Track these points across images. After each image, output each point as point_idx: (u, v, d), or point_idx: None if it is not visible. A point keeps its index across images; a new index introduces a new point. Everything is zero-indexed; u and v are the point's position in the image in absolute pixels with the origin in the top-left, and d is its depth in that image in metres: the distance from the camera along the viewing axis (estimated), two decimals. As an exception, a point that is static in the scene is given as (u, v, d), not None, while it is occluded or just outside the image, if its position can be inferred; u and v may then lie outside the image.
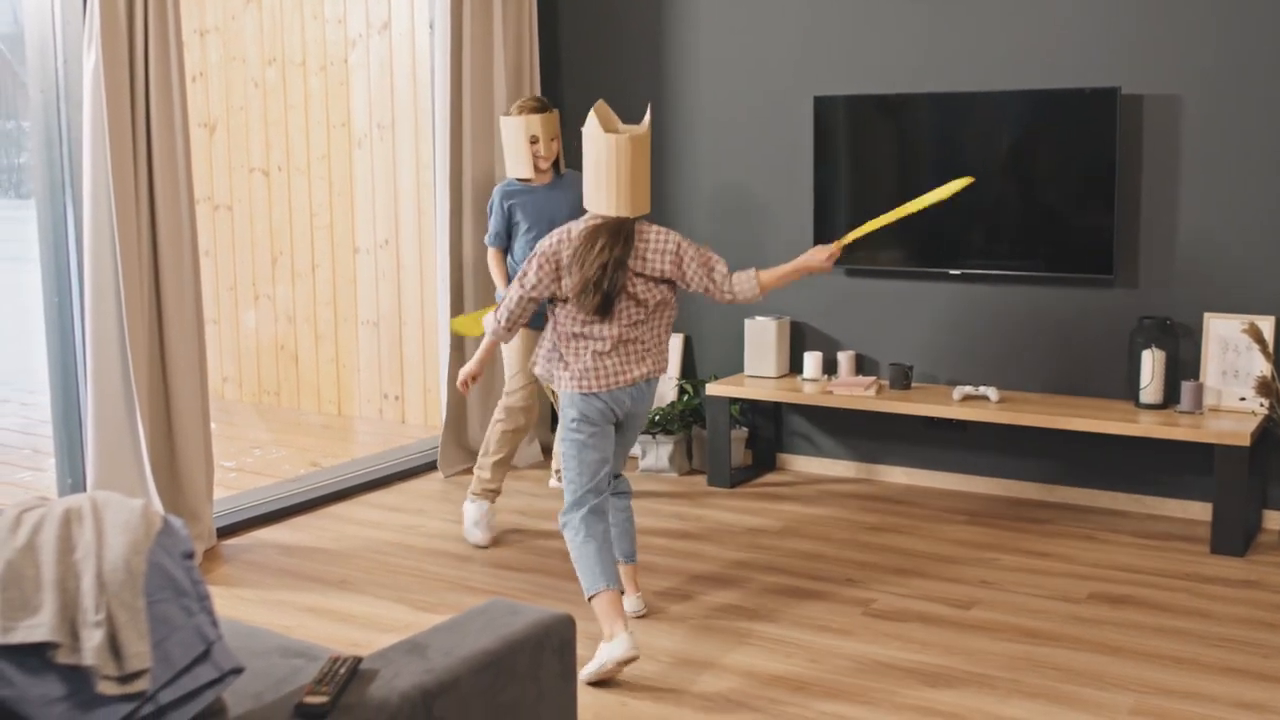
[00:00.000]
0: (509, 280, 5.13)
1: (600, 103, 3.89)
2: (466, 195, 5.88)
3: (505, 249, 5.19)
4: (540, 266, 3.83)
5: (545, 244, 3.84)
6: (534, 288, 3.85)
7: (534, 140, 5.06)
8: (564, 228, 3.86)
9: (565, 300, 3.84)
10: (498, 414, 5.09)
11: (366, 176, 7.10)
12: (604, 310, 3.80)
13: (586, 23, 6.30)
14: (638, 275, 3.84)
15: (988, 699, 3.54)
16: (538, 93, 6.14)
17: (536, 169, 5.09)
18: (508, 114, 5.12)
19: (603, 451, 3.94)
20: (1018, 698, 3.55)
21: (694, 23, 6.00)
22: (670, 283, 3.91)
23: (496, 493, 5.07)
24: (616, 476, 4.16)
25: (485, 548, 4.92)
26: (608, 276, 3.75)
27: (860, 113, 5.56)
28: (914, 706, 3.50)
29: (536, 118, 5.04)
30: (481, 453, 5.09)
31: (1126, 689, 3.60)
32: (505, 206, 5.13)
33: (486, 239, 5.20)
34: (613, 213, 3.83)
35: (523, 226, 5.12)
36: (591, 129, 3.84)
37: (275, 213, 7.50)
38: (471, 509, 5.02)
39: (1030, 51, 5.29)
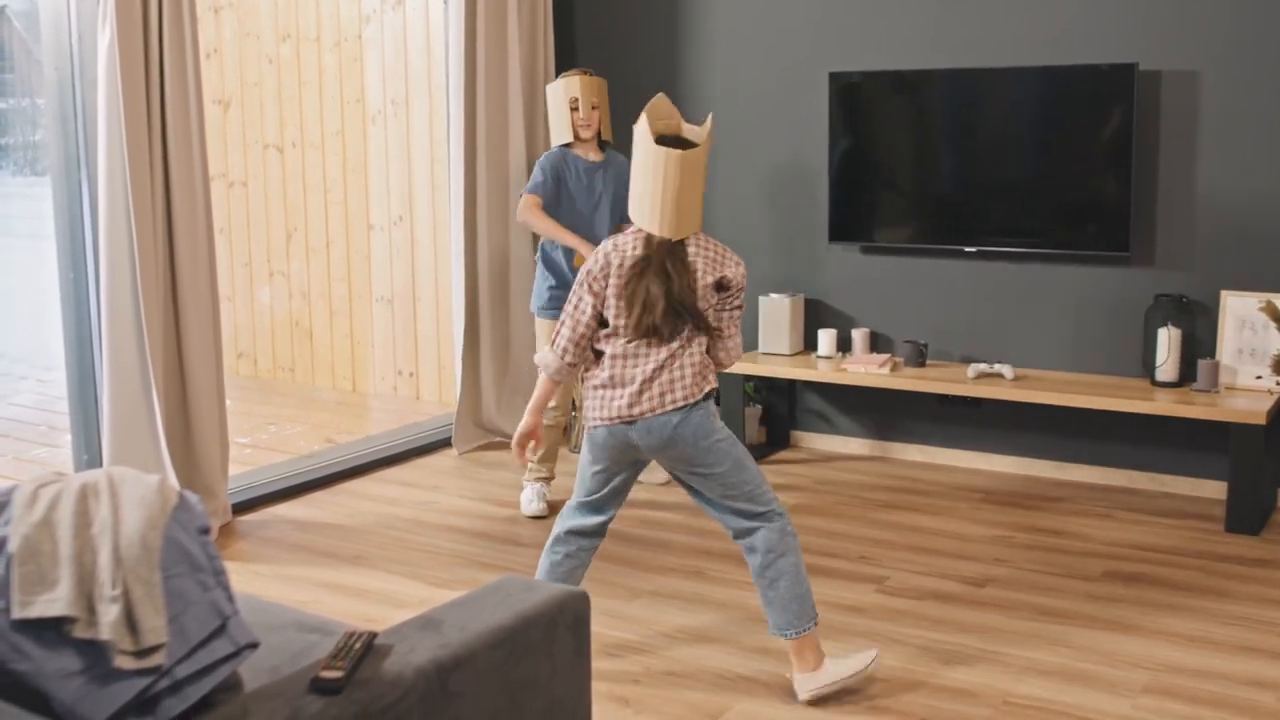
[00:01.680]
0: (549, 230, 4.88)
1: (659, 97, 3.45)
2: (481, 171, 5.87)
3: (545, 205, 4.90)
4: (590, 290, 3.37)
5: (593, 265, 3.37)
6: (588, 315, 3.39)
7: (574, 106, 4.93)
8: (610, 247, 3.37)
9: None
10: None
11: (381, 153, 7.10)
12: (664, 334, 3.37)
13: (601, -1, 6.28)
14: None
15: (1001, 676, 3.55)
16: (552, 68, 6.12)
17: (577, 135, 4.96)
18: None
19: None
20: (1031, 675, 3.55)
21: (710, 1, 5.98)
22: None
23: (550, 478, 5.18)
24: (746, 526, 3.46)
25: (542, 517, 5.04)
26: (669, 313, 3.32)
27: (876, 89, 5.53)
28: (928, 684, 3.51)
29: (576, 79, 4.93)
30: None
31: (1140, 667, 3.60)
32: (554, 169, 4.95)
33: (525, 189, 4.95)
34: (656, 233, 3.34)
35: (568, 202, 4.96)
36: (642, 133, 3.39)
37: (289, 189, 7.50)
38: (527, 489, 5.12)
39: (1047, 27, 5.26)
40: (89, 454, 4.70)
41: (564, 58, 6.36)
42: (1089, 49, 5.19)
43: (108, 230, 4.45)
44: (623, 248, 3.35)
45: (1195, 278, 5.12)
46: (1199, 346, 5.11)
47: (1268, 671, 3.57)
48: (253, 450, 6.17)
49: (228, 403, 4.99)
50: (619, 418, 3.37)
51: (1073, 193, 5.20)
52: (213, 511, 4.83)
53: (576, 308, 3.38)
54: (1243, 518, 4.72)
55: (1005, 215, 5.35)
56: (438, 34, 6.61)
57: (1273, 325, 4.87)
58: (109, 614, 1.75)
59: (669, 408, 3.34)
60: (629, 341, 3.36)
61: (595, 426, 3.43)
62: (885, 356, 5.53)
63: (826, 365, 5.58)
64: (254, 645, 1.88)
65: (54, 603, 1.75)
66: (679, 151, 3.34)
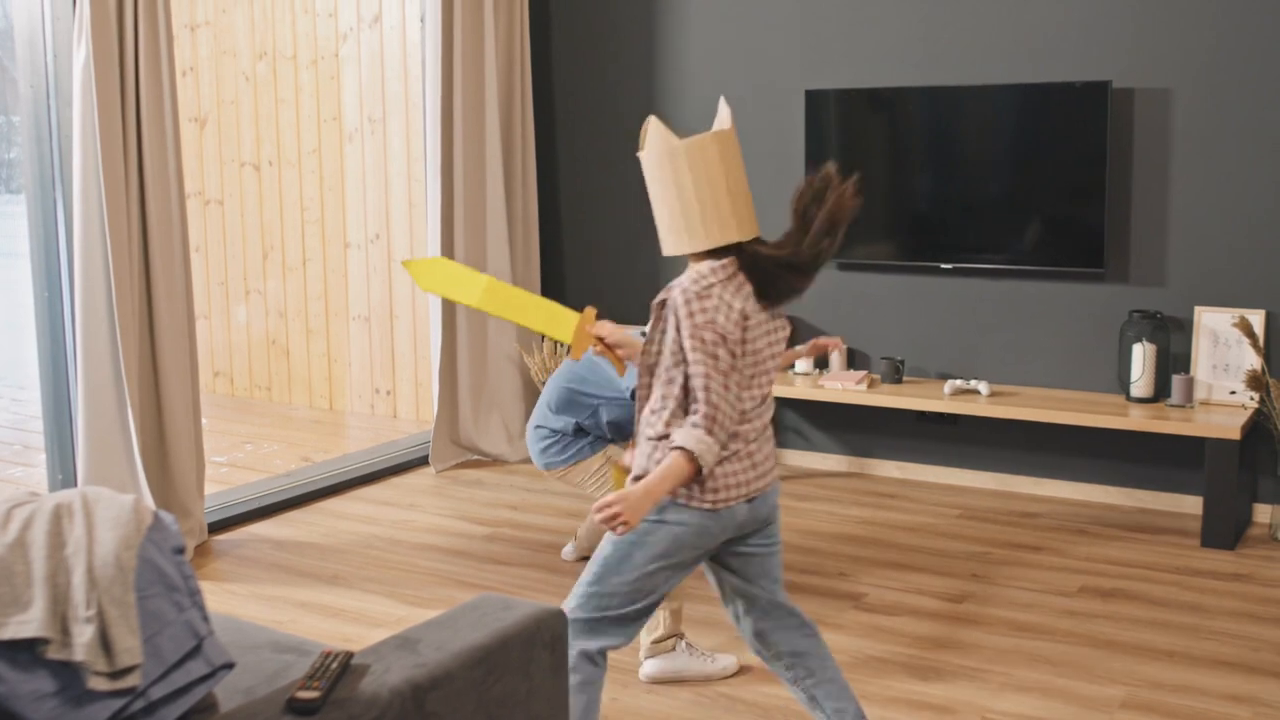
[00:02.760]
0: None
1: (652, 119, 2.75)
2: (458, 188, 5.87)
3: None
4: (729, 339, 2.67)
5: (710, 315, 2.65)
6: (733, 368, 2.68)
7: None
8: (691, 286, 2.68)
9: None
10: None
11: (357, 171, 7.09)
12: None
13: (577, 15, 6.29)
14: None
15: (980, 692, 3.55)
16: (529, 87, 6.13)
17: None
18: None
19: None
20: (1009, 691, 3.56)
21: (685, 17, 5.99)
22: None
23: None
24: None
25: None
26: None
27: (852, 107, 5.56)
28: (906, 700, 3.51)
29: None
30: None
31: (1118, 682, 3.61)
32: None
33: None
34: (738, 237, 2.74)
35: None
36: (663, 142, 2.72)
37: (266, 207, 7.48)
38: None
39: (1022, 45, 5.29)
40: (63, 473, 4.67)
41: (540, 76, 6.37)
42: (1063, 67, 5.22)
43: (82, 248, 4.43)
44: (720, 290, 2.69)
45: (1170, 294, 5.15)
46: (1174, 362, 5.14)
47: (1244, 686, 3.58)
48: (229, 469, 6.14)
49: (204, 421, 4.97)
50: (752, 492, 2.79)
51: (1048, 209, 5.23)
52: (188, 531, 4.81)
53: (726, 375, 2.66)
54: (1218, 532, 4.74)
55: (981, 232, 5.38)
56: (414, 52, 6.61)
57: (1246, 341, 4.90)
58: (83, 635, 1.74)
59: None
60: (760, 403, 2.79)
61: (728, 505, 2.76)
62: (862, 373, 5.54)
63: (804, 382, 5.59)
64: (229, 666, 1.87)
65: (27, 624, 1.74)
66: (720, 130, 2.74)
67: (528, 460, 6.12)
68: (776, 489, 2.87)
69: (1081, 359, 5.34)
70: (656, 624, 3.67)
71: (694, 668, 3.60)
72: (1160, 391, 5.11)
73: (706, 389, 2.63)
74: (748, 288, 2.72)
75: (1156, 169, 5.11)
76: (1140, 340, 5.05)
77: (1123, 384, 5.17)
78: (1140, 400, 5.08)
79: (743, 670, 3.72)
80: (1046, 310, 5.38)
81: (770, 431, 2.83)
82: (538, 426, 4.28)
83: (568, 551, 4.69)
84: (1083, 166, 5.12)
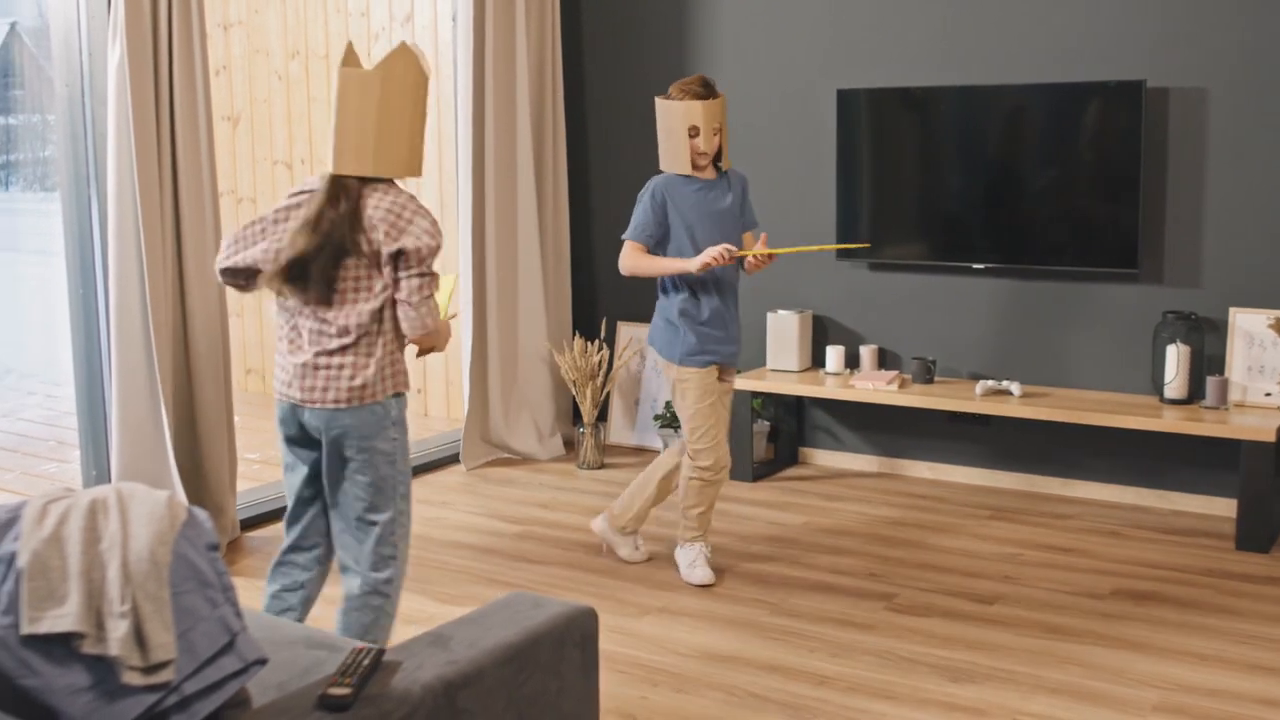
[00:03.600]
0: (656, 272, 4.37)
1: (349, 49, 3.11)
2: (488, 189, 5.89)
3: (649, 247, 4.35)
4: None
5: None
6: None
7: (693, 132, 4.28)
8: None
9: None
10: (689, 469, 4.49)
11: (389, 170, 7.10)
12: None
13: (609, 15, 6.29)
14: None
15: (1011, 695, 3.53)
16: (560, 86, 6.14)
17: (694, 164, 4.33)
18: (667, 96, 4.34)
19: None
20: (1041, 694, 3.54)
21: (717, 16, 5.99)
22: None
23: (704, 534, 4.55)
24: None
25: (709, 585, 4.43)
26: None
27: (883, 106, 5.54)
28: (937, 702, 3.49)
29: (699, 104, 4.24)
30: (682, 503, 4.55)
31: (1150, 685, 3.59)
32: (660, 199, 4.33)
33: (626, 234, 4.38)
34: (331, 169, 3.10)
35: (679, 225, 4.34)
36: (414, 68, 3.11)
37: (298, 206, 7.51)
38: (685, 553, 4.52)
39: (1055, 44, 5.26)
40: (97, 469, 4.70)
41: (572, 75, 6.37)
42: (1097, 66, 5.19)
43: (117, 246, 4.46)
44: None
45: (1204, 294, 5.11)
46: (1208, 363, 5.10)
47: (1279, 690, 3.55)
48: (261, 466, 6.17)
49: (236, 418, 4.99)
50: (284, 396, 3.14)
51: (1081, 209, 5.20)
52: (221, 527, 4.83)
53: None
54: (1253, 535, 4.71)
55: (1013, 232, 5.35)
56: (446, 51, 6.63)
57: (1282, 342, 4.86)
58: (118, 630, 1.75)
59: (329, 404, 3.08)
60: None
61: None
62: (893, 373, 5.52)
63: (834, 382, 5.57)
64: (262, 661, 1.88)
65: (63, 618, 1.75)
66: (347, 68, 3.03)
67: (558, 459, 6.13)
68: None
69: (1115, 360, 5.30)
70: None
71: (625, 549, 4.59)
72: (1194, 393, 5.07)
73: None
74: None
75: (1191, 169, 5.07)
76: (1174, 341, 5.02)
77: (1156, 385, 5.14)
78: (1174, 402, 5.04)
79: (775, 669, 3.71)
80: (1079, 311, 5.35)
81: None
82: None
83: (599, 524, 4.74)
84: (1117, 166, 5.09)
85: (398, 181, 3.21)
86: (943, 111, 5.44)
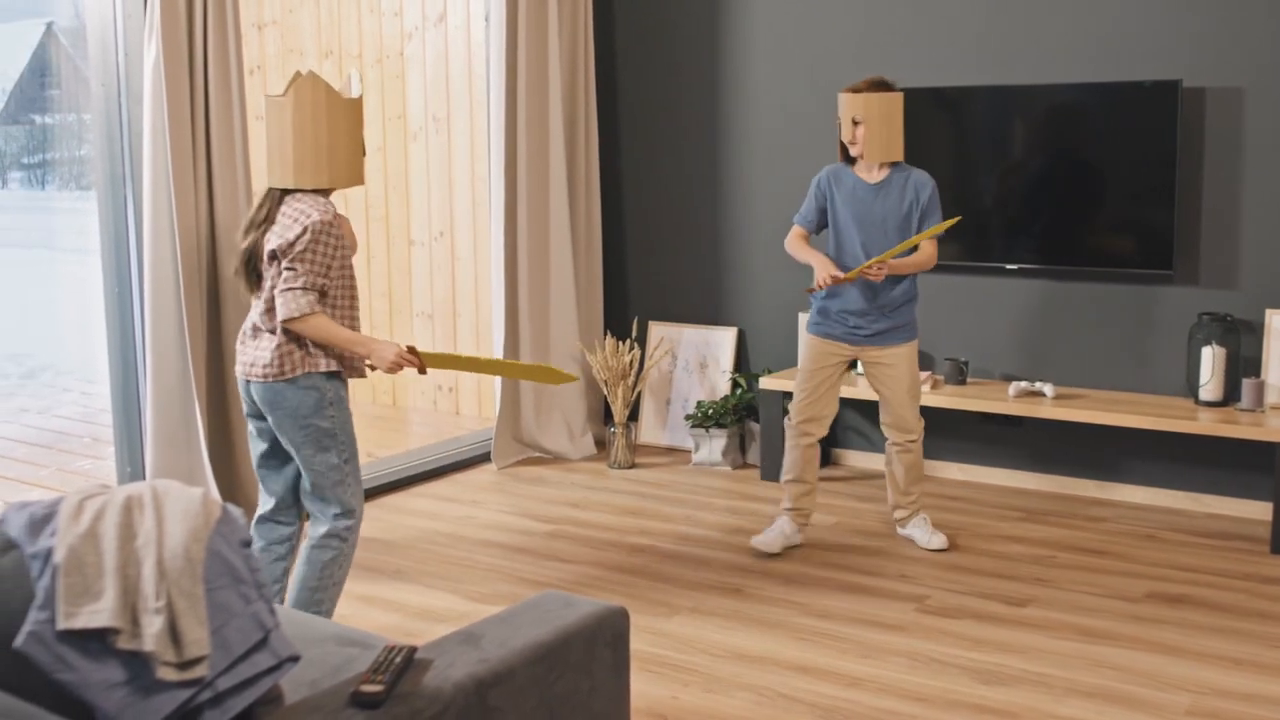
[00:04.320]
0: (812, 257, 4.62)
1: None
2: (521, 187, 5.90)
3: (810, 232, 4.70)
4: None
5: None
6: None
7: (855, 122, 4.49)
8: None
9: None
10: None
11: (422, 169, 7.13)
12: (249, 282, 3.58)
13: (642, 15, 6.29)
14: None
15: (1043, 698, 3.51)
16: (593, 85, 6.14)
17: (844, 152, 4.61)
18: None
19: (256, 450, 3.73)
20: (1073, 697, 3.52)
21: (750, 16, 5.98)
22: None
23: (797, 511, 4.80)
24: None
25: (772, 555, 4.71)
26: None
27: (917, 106, 5.52)
28: (968, 704, 3.48)
29: (858, 97, 4.46)
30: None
31: (1184, 689, 3.56)
32: (823, 187, 4.66)
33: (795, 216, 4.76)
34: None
35: (837, 221, 4.65)
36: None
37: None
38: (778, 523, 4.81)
39: (1089, 43, 5.23)
40: (132, 466, 4.73)
41: (605, 75, 6.38)
42: (1132, 65, 5.16)
43: (152, 244, 4.49)
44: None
45: (1240, 296, 5.07)
46: (1244, 365, 5.07)
47: (1314, 695, 3.52)
48: (293, 464, 6.19)
49: (269, 416, 5.01)
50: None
51: (1115, 210, 5.17)
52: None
53: None
54: (1288, 539, 4.67)
55: (1047, 233, 5.32)
56: (479, 51, 6.64)
57: (1319, 344, 4.82)
58: (152, 625, 1.76)
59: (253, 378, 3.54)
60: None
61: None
62: (926, 374, 5.50)
63: (865, 383, 5.55)
64: (295, 658, 1.89)
65: (98, 614, 1.76)
66: (269, 96, 3.50)
67: (589, 458, 6.13)
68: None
69: (1149, 362, 5.27)
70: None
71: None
72: (1230, 395, 5.03)
73: None
74: None
75: (1228, 169, 5.04)
76: (1210, 343, 4.98)
77: (1191, 387, 5.10)
78: (1209, 404, 5.00)
79: (805, 670, 3.71)
80: (1114, 312, 5.32)
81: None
82: None
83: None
84: (1152, 167, 5.06)
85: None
86: (976, 111, 5.42)
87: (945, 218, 4.59)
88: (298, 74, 3.47)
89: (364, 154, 3.60)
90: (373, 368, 3.55)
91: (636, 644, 3.92)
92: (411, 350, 3.50)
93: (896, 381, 4.66)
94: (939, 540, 4.74)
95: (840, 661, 3.77)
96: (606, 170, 6.46)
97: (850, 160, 4.63)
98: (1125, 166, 5.13)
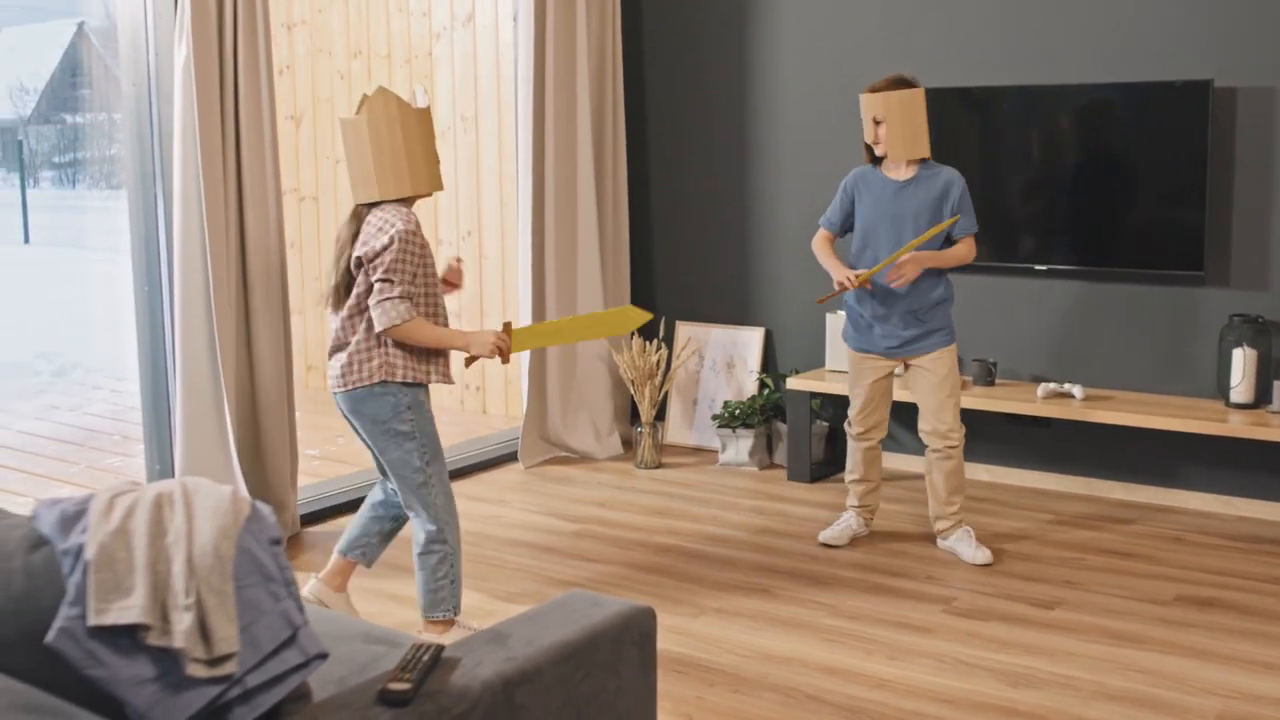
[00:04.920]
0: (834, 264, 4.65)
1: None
2: (549, 187, 5.90)
3: (835, 234, 4.72)
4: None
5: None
6: None
7: (877, 122, 4.47)
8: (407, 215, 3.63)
9: None
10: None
11: (450, 168, 7.15)
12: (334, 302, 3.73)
13: (670, 15, 6.29)
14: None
15: (1071, 700, 3.50)
16: (620, 85, 6.14)
17: (870, 153, 4.59)
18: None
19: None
20: (1101, 700, 3.50)
21: (777, 16, 5.97)
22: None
23: (863, 508, 4.91)
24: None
25: (835, 546, 4.81)
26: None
27: (944, 106, 5.50)
28: (996, 706, 3.47)
29: (878, 96, 4.44)
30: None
31: (1213, 694, 3.54)
32: (849, 189, 4.66)
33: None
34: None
35: (865, 221, 4.61)
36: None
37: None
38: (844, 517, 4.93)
39: (1119, 43, 5.20)
40: (161, 464, 4.76)
41: (632, 75, 6.38)
42: (1162, 65, 5.13)
43: (181, 243, 4.51)
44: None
45: (1273, 297, 5.03)
46: (1276, 367, 5.03)
47: (1346, 700, 3.49)
48: (322, 462, 6.22)
49: (297, 415, 5.04)
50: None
51: (1145, 211, 5.14)
52: (282, 523, 4.88)
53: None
54: (1320, 542, 4.64)
55: (1076, 233, 5.30)
56: (507, 51, 6.65)
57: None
58: (182, 622, 1.77)
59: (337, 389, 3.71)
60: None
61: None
62: (953, 375, 5.48)
63: (894, 384, 5.53)
64: (323, 656, 1.89)
65: (129, 610, 1.77)
66: (347, 117, 3.65)
67: (616, 458, 6.13)
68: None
69: (1179, 363, 5.24)
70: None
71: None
72: (1261, 397, 5.00)
73: None
74: None
75: (1260, 170, 5.00)
76: (1241, 345, 4.95)
77: (1222, 389, 5.07)
78: (1240, 406, 4.97)
79: (832, 671, 3.70)
80: (1144, 313, 5.29)
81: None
82: None
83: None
84: (1182, 167, 5.03)
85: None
86: (1004, 112, 5.40)
87: (975, 218, 4.57)
88: (365, 96, 3.63)
89: (438, 161, 3.73)
90: (474, 358, 3.71)
91: (663, 644, 3.92)
92: (507, 329, 3.69)
93: (933, 387, 4.60)
94: (983, 555, 4.61)
95: (867, 663, 3.76)
96: (634, 169, 6.46)
97: (877, 161, 4.60)
98: (1156, 167, 5.10)
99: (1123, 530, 4.99)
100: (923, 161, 4.54)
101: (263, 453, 4.81)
